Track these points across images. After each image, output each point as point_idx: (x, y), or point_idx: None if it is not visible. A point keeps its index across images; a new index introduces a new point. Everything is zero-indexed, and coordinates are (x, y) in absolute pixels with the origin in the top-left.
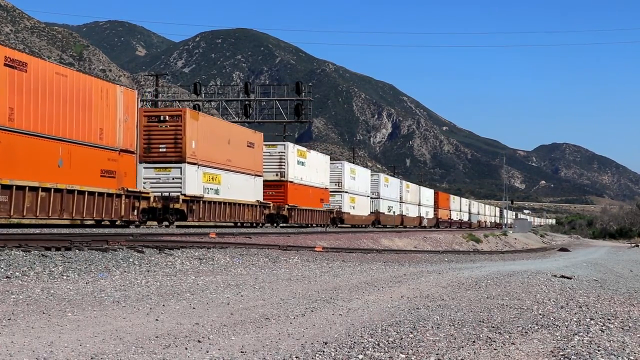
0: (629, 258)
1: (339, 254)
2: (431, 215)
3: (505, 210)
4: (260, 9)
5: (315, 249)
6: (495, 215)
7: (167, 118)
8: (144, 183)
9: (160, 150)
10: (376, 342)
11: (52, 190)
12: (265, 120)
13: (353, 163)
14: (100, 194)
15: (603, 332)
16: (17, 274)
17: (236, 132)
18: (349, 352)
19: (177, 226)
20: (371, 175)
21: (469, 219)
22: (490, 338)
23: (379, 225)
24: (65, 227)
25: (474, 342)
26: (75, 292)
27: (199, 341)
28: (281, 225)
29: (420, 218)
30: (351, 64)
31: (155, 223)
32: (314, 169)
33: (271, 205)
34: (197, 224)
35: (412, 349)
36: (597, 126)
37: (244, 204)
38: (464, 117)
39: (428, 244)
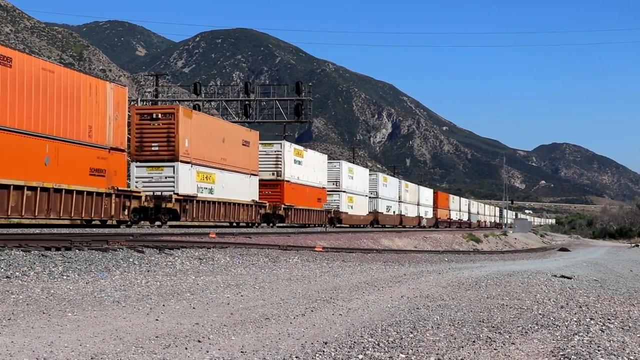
0: (629, 258)
1: (339, 254)
2: (430, 215)
3: (505, 210)
4: (260, 9)
5: (315, 249)
6: (495, 215)
7: (159, 116)
8: (136, 182)
9: (153, 148)
10: (376, 342)
11: (39, 189)
12: (265, 120)
13: (353, 163)
14: (89, 193)
15: (603, 332)
16: (17, 274)
17: (231, 130)
18: (349, 352)
19: (170, 226)
20: (369, 174)
21: (469, 219)
22: (490, 338)
23: (378, 225)
24: (54, 227)
25: (474, 342)
26: (75, 292)
27: (199, 341)
28: (277, 225)
29: (419, 218)
30: (351, 64)
31: (148, 223)
32: (311, 168)
33: (267, 204)
34: (190, 223)
35: (412, 349)
36: (597, 126)
37: (239, 204)
38: (464, 117)
39: (428, 244)
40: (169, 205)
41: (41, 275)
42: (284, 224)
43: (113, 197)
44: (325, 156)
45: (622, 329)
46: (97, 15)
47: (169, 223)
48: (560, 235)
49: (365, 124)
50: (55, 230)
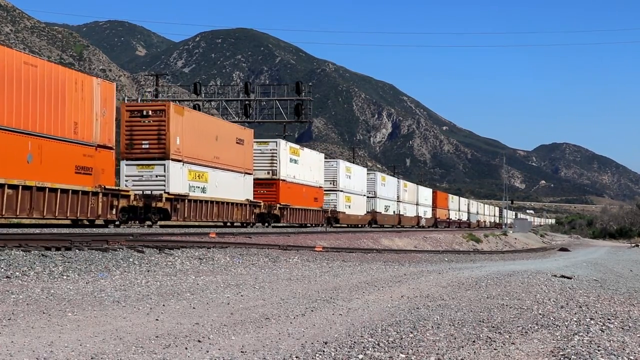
0: (629, 258)
1: (339, 254)
2: (429, 214)
3: (505, 210)
4: (260, 9)
5: (315, 249)
6: (494, 215)
7: (150, 113)
8: (126, 181)
9: (143, 146)
10: (376, 342)
11: (20, 187)
12: (265, 120)
13: (353, 163)
14: (75, 192)
15: (603, 332)
16: (17, 273)
17: (224, 128)
18: (349, 351)
19: (161, 226)
20: (367, 174)
21: (468, 219)
22: (490, 338)
23: (376, 225)
24: (39, 227)
25: (474, 342)
26: (75, 292)
27: (199, 341)
28: (273, 225)
29: (418, 218)
30: (351, 64)
31: (137, 223)
32: (307, 167)
33: (262, 204)
34: (182, 223)
35: (412, 349)
36: (597, 126)
37: (233, 203)
38: (464, 117)
39: (428, 244)
40: (159, 204)
41: (41, 275)
42: (280, 224)
43: (100, 196)
44: (322, 155)
45: (622, 329)
46: (97, 15)
47: (160, 223)
48: (560, 235)
49: (365, 123)
50: (55, 230)
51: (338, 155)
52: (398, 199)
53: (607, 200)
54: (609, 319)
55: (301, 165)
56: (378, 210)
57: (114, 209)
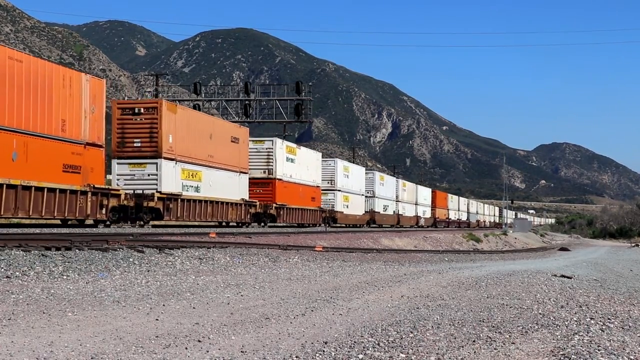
0: (629, 257)
1: (339, 254)
2: (428, 214)
3: (505, 210)
4: (260, 9)
5: (316, 249)
6: (494, 215)
7: (142, 110)
8: (118, 180)
9: (135, 144)
10: (376, 342)
11: (5, 186)
12: (265, 120)
13: (353, 163)
14: (62, 191)
15: (603, 331)
16: (17, 273)
17: (219, 126)
18: (349, 351)
19: (153, 226)
20: (366, 173)
21: (468, 219)
22: (490, 337)
23: (374, 225)
24: (24, 227)
25: (474, 341)
26: (76, 292)
27: (199, 341)
28: (269, 225)
29: (417, 217)
30: (351, 63)
31: (128, 223)
32: (304, 166)
33: (257, 204)
34: (175, 223)
35: (412, 349)
36: (597, 126)
37: (227, 203)
38: (464, 117)
39: (428, 244)
40: (151, 203)
41: (41, 275)
42: (276, 224)
43: (89, 195)
44: (320, 154)
45: (622, 328)
46: (97, 15)
47: (152, 223)
48: (560, 235)
49: (365, 123)
50: (55, 230)
51: (338, 155)
52: (397, 198)
53: (607, 200)
54: (609, 319)
55: (298, 164)
56: (377, 210)
57: (104, 209)
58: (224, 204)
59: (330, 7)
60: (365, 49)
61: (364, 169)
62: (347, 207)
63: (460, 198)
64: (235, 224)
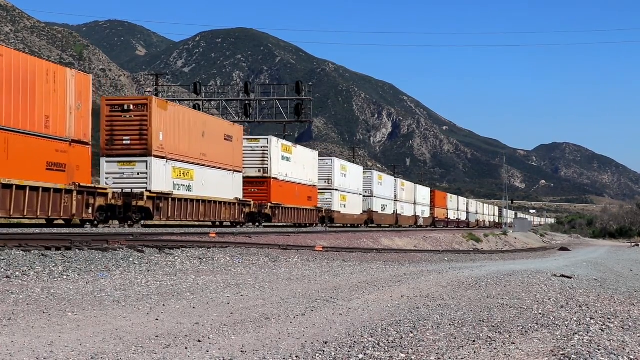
0: (629, 257)
1: (339, 254)
2: (427, 214)
3: (505, 210)
4: (260, 9)
5: (316, 249)
6: (494, 215)
7: (131, 107)
8: (106, 178)
9: (124, 142)
10: (376, 342)
11: None
12: (265, 120)
13: (353, 163)
14: (46, 190)
15: (603, 331)
16: (17, 273)
17: (212, 123)
18: (349, 351)
19: (143, 225)
20: (364, 172)
21: (467, 218)
22: (490, 337)
23: (372, 225)
24: (8, 227)
25: (474, 341)
26: (76, 292)
27: (199, 341)
28: (264, 224)
29: (416, 217)
30: (351, 63)
31: (117, 222)
32: (300, 165)
33: (252, 203)
34: (166, 223)
35: (412, 349)
36: (597, 126)
37: (220, 202)
38: (464, 116)
39: (428, 244)
40: (140, 203)
41: (41, 275)
42: (271, 224)
43: (74, 194)
44: (316, 152)
45: (622, 328)
46: (97, 15)
47: (142, 223)
48: (560, 235)
49: (365, 123)
50: (55, 230)
51: (338, 155)
52: (395, 198)
53: (607, 200)
54: (609, 319)
55: (294, 163)
56: (375, 210)
57: (90, 208)
58: (217, 203)
59: (330, 7)
60: (365, 49)
61: (361, 168)
62: (345, 206)
63: (460, 198)
64: (229, 224)
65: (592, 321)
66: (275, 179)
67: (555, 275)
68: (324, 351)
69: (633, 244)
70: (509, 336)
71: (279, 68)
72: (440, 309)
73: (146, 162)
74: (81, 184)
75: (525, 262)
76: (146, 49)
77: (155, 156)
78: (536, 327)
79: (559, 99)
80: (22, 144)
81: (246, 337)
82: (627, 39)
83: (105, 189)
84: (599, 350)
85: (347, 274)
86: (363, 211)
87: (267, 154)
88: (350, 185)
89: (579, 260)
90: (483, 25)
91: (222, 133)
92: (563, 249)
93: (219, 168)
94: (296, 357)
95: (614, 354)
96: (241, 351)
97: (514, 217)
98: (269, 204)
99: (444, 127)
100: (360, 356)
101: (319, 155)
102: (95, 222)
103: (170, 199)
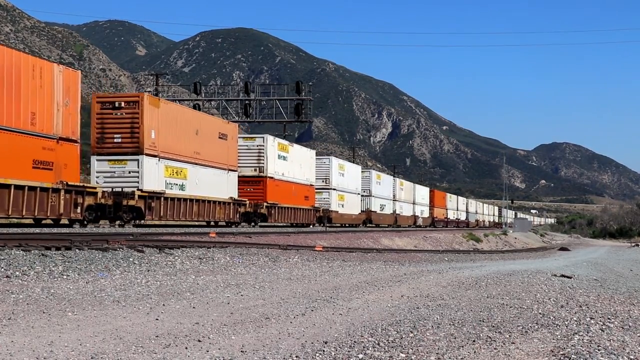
0: (629, 257)
1: (339, 254)
2: (426, 214)
3: (505, 210)
4: (260, 9)
5: (316, 249)
6: (494, 215)
7: (122, 104)
8: (97, 177)
9: (115, 140)
10: (376, 342)
11: None
12: (265, 120)
13: (353, 162)
14: (32, 189)
15: (603, 331)
16: (17, 273)
17: (206, 121)
18: (349, 351)
19: (134, 225)
20: (362, 171)
21: (467, 218)
22: (490, 337)
23: (371, 225)
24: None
25: (474, 341)
26: (76, 292)
27: (199, 340)
28: (260, 224)
29: (415, 217)
30: (351, 63)
31: (107, 222)
32: (297, 164)
33: (247, 202)
34: (159, 223)
35: (412, 349)
36: (597, 126)
37: (215, 201)
38: (464, 116)
39: (428, 244)
40: (131, 202)
41: (41, 274)
42: (267, 224)
43: (62, 193)
44: (313, 152)
45: (622, 328)
46: (97, 14)
47: (134, 222)
48: (560, 235)
49: (365, 123)
50: (55, 230)
51: (338, 155)
52: (394, 197)
53: (607, 200)
54: (609, 319)
55: (290, 162)
56: (373, 210)
57: (79, 207)
58: (212, 202)
59: (330, 7)
60: (365, 49)
61: (359, 167)
62: (343, 206)
63: (459, 197)
64: (224, 224)
65: (592, 321)
66: (272, 178)
67: (555, 275)
68: (324, 351)
69: (633, 244)
70: (509, 336)
71: (279, 68)
72: (440, 309)
73: (137, 160)
74: (69, 183)
75: (525, 262)
76: (146, 49)
77: (147, 154)
78: (536, 327)
79: (559, 99)
80: (7, 141)
81: (246, 337)
82: (627, 39)
83: (95, 187)
84: (599, 350)
85: (347, 273)
86: (361, 211)
87: (263, 152)
88: (349, 185)
89: (579, 260)
90: (483, 25)
91: (216, 131)
92: (563, 248)
93: (214, 167)
94: (296, 357)
95: (614, 354)
96: (241, 351)
97: (513, 217)
98: (265, 204)
99: (444, 127)
100: (360, 356)
101: (319, 154)
102: (85, 222)
103: (162, 199)
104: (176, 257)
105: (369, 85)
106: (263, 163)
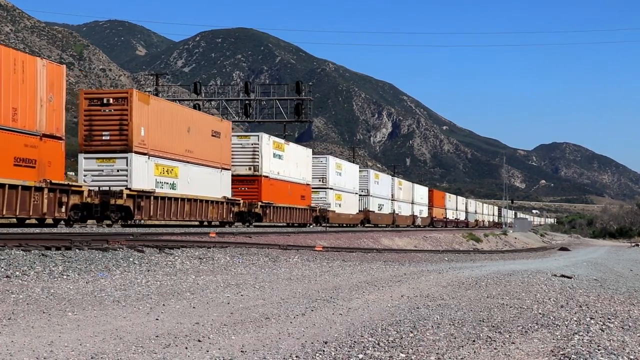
0: (629, 257)
1: (339, 254)
2: (425, 214)
3: (505, 210)
4: (260, 9)
5: (316, 249)
6: (494, 215)
7: (111, 101)
8: (85, 176)
9: (104, 138)
10: (376, 342)
11: None
12: (265, 120)
13: (354, 162)
14: (13, 187)
15: (603, 331)
16: (17, 273)
17: (198, 119)
18: (349, 351)
19: (123, 225)
20: (360, 171)
21: (466, 218)
22: (490, 337)
23: (369, 225)
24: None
25: (474, 341)
26: (76, 292)
27: (199, 340)
28: (255, 224)
29: (414, 217)
30: (351, 63)
31: (95, 222)
32: (293, 162)
33: (241, 202)
34: (150, 223)
35: (412, 348)
36: (597, 126)
37: (207, 201)
38: (464, 116)
39: (428, 244)
40: (119, 201)
41: (41, 274)
42: (262, 224)
43: (45, 191)
44: (310, 150)
45: (622, 328)
46: (97, 14)
47: (123, 222)
48: (560, 235)
49: (365, 123)
50: (55, 230)
51: (338, 155)
52: (392, 197)
53: (607, 200)
54: (609, 319)
55: (286, 161)
56: (371, 209)
57: (63, 207)
58: (204, 202)
59: (330, 7)
60: (365, 49)
61: (357, 166)
62: (340, 205)
63: (459, 197)
64: (217, 224)
65: (592, 321)
66: (267, 177)
67: (555, 275)
68: (324, 351)
69: (633, 244)
70: (509, 336)
71: (279, 68)
72: (440, 309)
73: (126, 158)
74: (53, 181)
75: (525, 262)
76: (146, 49)
77: (136, 152)
78: (536, 327)
79: (558, 99)
80: None
81: (246, 337)
82: (627, 39)
83: (81, 186)
84: (599, 350)
85: (347, 273)
86: (359, 210)
87: (258, 151)
88: (346, 184)
89: (579, 260)
90: (483, 25)
91: (209, 129)
92: (563, 248)
93: (206, 165)
94: (296, 357)
95: (614, 354)
96: (241, 351)
97: (513, 217)
98: (260, 203)
99: (444, 127)
100: (360, 356)
101: (319, 154)
102: (70, 222)
103: (152, 198)
104: (176, 257)
105: (369, 85)
106: (258, 162)
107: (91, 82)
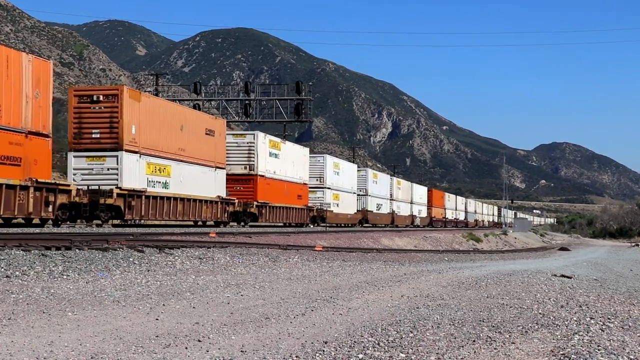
0: (629, 257)
1: (339, 254)
2: (424, 214)
3: (504, 210)
4: (260, 9)
5: (316, 249)
6: (493, 215)
7: (101, 98)
8: (74, 174)
9: (94, 136)
10: (376, 342)
11: None
12: (265, 120)
13: (354, 162)
14: None
15: (603, 331)
16: (17, 273)
17: (191, 117)
18: (349, 351)
19: (113, 225)
20: (358, 170)
21: (466, 218)
22: (490, 337)
23: (367, 225)
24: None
25: (474, 341)
26: (76, 292)
27: (199, 340)
28: (250, 224)
29: (413, 217)
30: (351, 63)
31: (84, 222)
32: (289, 162)
33: (236, 201)
34: (139, 222)
35: (412, 348)
36: (597, 126)
37: (201, 200)
38: (464, 116)
39: (428, 244)
40: (109, 201)
41: (41, 274)
42: (258, 223)
43: (31, 190)
44: (307, 149)
45: (622, 328)
46: (97, 14)
47: (113, 222)
48: (560, 235)
49: (366, 123)
50: (55, 230)
51: (338, 155)
52: (391, 197)
53: (607, 200)
54: (609, 319)
55: (283, 160)
56: (369, 209)
57: (50, 206)
58: (197, 201)
59: (330, 7)
60: (365, 49)
61: (355, 166)
62: (338, 205)
63: (458, 197)
64: (212, 224)
65: (592, 321)
66: (262, 176)
67: (555, 275)
68: (324, 351)
69: (633, 244)
70: (509, 336)
71: (279, 68)
72: (440, 309)
73: (117, 157)
74: (39, 180)
75: (525, 262)
76: (146, 49)
77: (127, 150)
78: (536, 327)
79: (558, 99)
80: None
81: (246, 337)
82: (627, 39)
83: (69, 185)
84: (599, 350)
85: (347, 273)
86: (357, 210)
87: (254, 150)
88: (344, 184)
89: (579, 260)
90: (483, 25)
91: (203, 127)
92: (563, 248)
93: (200, 164)
94: (296, 357)
95: (614, 354)
96: (241, 351)
97: (513, 216)
98: (255, 203)
99: (444, 127)
100: (360, 356)
101: (319, 154)
102: (58, 222)
103: (143, 197)
104: (176, 257)
105: (369, 85)
106: (253, 161)
107: (91, 82)
